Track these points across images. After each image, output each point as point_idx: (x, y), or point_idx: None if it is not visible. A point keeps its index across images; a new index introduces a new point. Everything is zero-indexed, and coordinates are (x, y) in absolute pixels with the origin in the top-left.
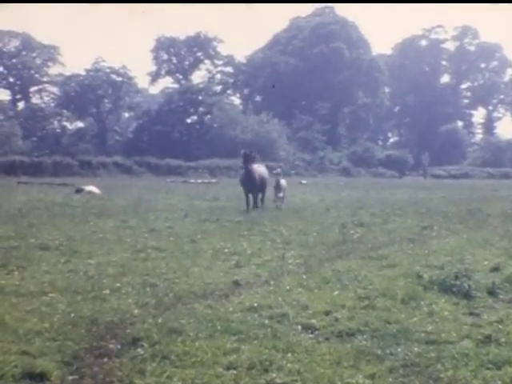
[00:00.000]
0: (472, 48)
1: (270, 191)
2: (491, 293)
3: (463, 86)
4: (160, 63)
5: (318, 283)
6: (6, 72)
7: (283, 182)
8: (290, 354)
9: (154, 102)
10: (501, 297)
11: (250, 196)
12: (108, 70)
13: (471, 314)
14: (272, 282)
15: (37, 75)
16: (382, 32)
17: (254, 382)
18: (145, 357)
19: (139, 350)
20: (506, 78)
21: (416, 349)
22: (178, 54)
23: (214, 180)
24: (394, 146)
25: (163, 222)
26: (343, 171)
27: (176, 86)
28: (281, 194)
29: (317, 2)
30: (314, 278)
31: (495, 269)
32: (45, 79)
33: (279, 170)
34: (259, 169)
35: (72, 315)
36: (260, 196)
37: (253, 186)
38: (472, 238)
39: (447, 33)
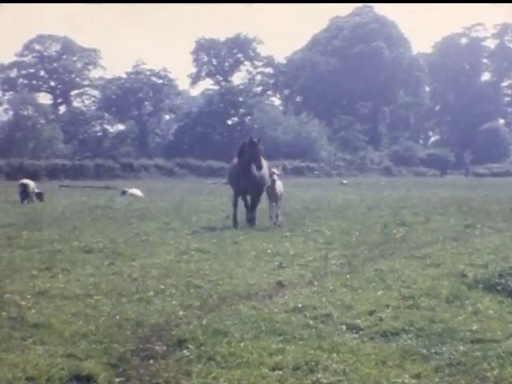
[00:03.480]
0: None
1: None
2: None
3: (504, 84)
4: (200, 65)
5: (361, 283)
6: (47, 76)
7: (280, 185)
8: (335, 355)
9: (195, 104)
10: None
11: (245, 199)
12: (148, 73)
13: None
14: (315, 283)
15: (78, 79)
16: (421, 30)
17: (299, 383)
18: (190, 358)
19: (185, 351)
20: None
21: (461, 348)
22: (218, 56)
23: None
24: (435, 145)
25: (205, 224)
26: (384, 171)
27: (216, 87)
28: (274, 204)
29: (356, 1)
30: (357, 278)
31: None
32: (86, 83)
33: (275, 170)
34: (265, 165)
35: (117, 317)
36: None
37: (252, 185)
38: None
39: (487, 31)
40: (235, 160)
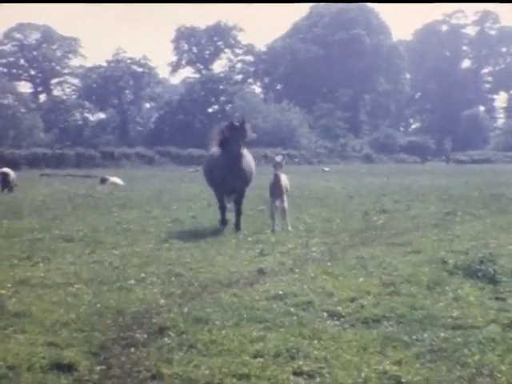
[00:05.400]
0: (493, 32)
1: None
2: None
3: (484, 71)
4: (180, 53)
5: (342, 270)
6: (27, 65)
7: (284, 178)
8: (316, 342)
9: (176, 92)
10: None
11: (227, 199)
12: (129, 61)
13: (497, 298)
14: (297, 270)
15: (58, 67)
16: (401, 17)
17: (280, 370)
18: (172, 346)
19: (166, 339)
20: None
21: (442, 334)
22: (199, 44)
23: None
24: (415, 132)
25: (186, 212)
26: (365, 158)
27: (197, 75)
28: (284, 204)
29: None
30: (338, 266)
31: None
32: (66, 71)
33: (280, 157)
34: (248, 156)
35: (98, 306)
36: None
37: (242, 182)
38: (495, 222)
39: (467, 18)
40: (214, 150)
